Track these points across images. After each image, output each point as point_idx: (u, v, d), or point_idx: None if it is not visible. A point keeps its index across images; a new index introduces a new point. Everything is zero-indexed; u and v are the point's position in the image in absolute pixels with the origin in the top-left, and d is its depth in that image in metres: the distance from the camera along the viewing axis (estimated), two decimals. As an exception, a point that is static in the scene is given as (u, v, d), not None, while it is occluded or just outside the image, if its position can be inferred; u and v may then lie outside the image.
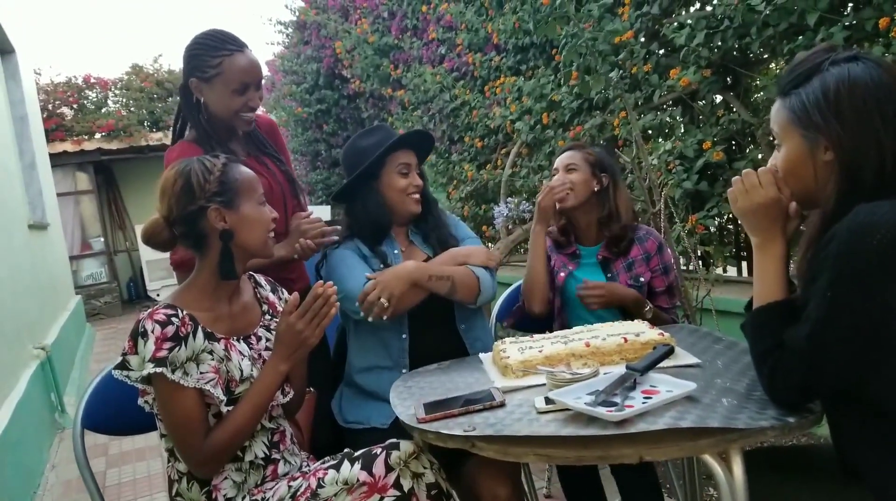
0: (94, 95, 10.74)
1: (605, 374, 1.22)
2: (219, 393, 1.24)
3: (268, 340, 1.40)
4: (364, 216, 1.73)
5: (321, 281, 1.32)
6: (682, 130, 3.12)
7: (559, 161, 1.94)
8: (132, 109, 10.56)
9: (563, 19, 2.69)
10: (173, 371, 1.20)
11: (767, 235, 1.12)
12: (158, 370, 1.19)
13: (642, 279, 1.85)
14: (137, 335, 1.21)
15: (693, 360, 1.30)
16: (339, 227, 1.80)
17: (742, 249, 3.20)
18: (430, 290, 1.62)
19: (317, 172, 7.63)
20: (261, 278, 1.52)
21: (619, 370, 1.21)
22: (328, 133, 7.24)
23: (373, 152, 1.69)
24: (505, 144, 4.48)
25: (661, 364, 1.24)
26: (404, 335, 1.66)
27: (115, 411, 1.51)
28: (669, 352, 1.25)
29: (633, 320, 1.78)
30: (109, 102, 10.85)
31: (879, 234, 0.92)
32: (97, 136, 9.95)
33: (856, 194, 1.00)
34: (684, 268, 3.07)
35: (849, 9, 2.45)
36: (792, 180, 1.09)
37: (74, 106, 10.37)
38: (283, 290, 1.55)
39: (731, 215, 3.04)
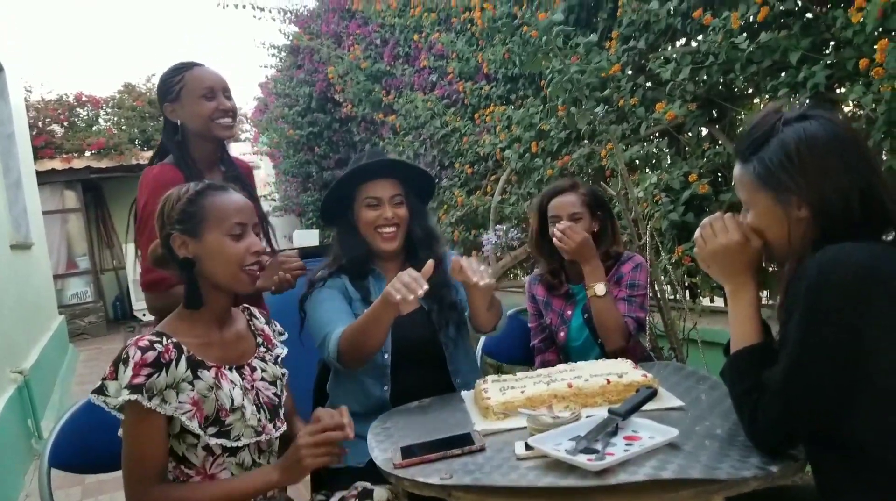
0: (85, 113, 10.71)
1: (587, 417, 1.20)
2: (194, 427, 1.22)
3: (263, 371, 1.38)
4: (342, 248, 1.69)
5: (342, 409, 1.23)
6: (669, 162, 3.14)
7: (560, 208, 1.90)
8: (123, 127, 10.54)
9: (551, 52, 2.72)
10: (150, 398, 1.17)
11: (737, 280, 1.14)
12: (133, 397, 1.16)
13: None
14: (119, 361, 1.19)
15: (676, 402, 1.29)
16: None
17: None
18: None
19: (307, 194, 7.62)
20: (255, 311, 1.50)
21: (602, 413, 1.20)
22: (319, 156, 7.26)
23: (345, 179, 1.67)
24: (495, 170, 4.50)
25: (645, 407, 1.23)
26: (385, 387, 1.61)
27: (86, 446, 1.47)
28: (652, 395, 1.24)
29: (615, 358, 1.79)
30: (101, 120, 10.83)
31: (846, 268, 0.96)
32: (87, 153, 9.91)
33: (830, 241, 1.01)
34: (671, 298, 3.07)
35: (830, 48, 2.49)
36: (768, 237, 1.10)
37: (65, 124, 10.33)
38: (276, 322, 1.54)
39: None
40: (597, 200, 1.93)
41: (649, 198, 2.82)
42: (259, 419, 1.31)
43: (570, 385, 1.31)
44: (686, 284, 3.16)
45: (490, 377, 1.48)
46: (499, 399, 1.30)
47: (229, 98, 1.79)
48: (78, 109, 10.64)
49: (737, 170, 1.13)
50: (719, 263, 1.15)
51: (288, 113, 7.33)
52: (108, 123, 10.75)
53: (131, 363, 1.18)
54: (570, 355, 1.94)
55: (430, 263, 1.43)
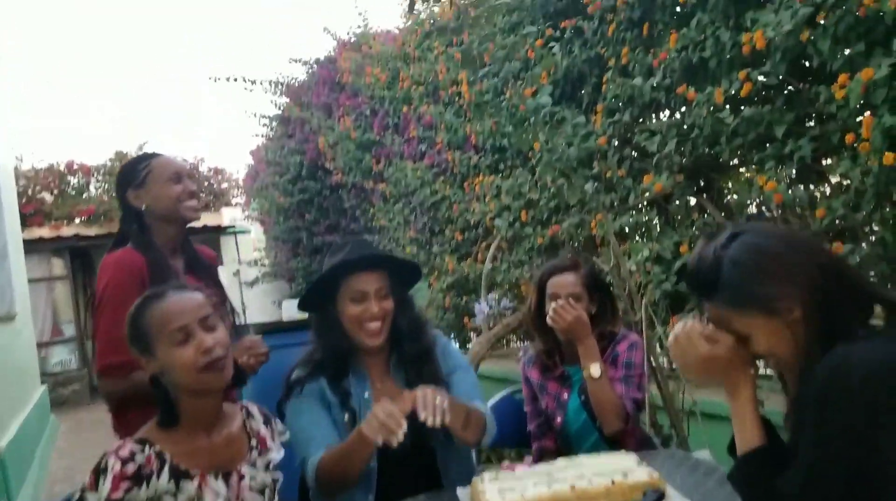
0: (75, 180, 10.75)
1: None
2: None
3: (252, 478, 1.31)
4: (322, 342, 1.60)
5: None
6: (659, 231, 3.14)
7: (559, 287, 1.85)
8: (114, 194, 10.48)
9: (539, 130, 2.75)
10: None
11: (729, 382, 1.10)
12: None
13: None
14: (99, 470, 1.15)
15: (685, 504, 1.22)
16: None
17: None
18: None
19: (297, 260, 7.58)
20: (254, 409, 1.44)
21: None
22: (310, 222, 7.27)
23: (328, 274, 1.58)
24: (485, 237, 4.49)
25: (652, 511, 1.16)
26: (371, 496, 1.53)
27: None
28: (660, 498, 1.17)
29: (613, 441, 1.73)
30: (91, 187, 10.87)
31: (857, 373, 0.93)
32: (77, 220, 9.88)
33: (832, 336, 0.99)
34: (667, 367, 3.01)
35: (814, 120, 2.53)
36: (779, 353, 1.07)
37: (55, 191, 10.36)
38: (277, 420, 1.48)
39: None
40: (597, 280, 1.91)
41: (641, 269, 2.80)
42: None
43: (572, 488, 1.24)
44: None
45: (487, 475, 1.40)
46: (497, 504, 1.22)
47: (194, 182, 1.85)
48: (69, 177, 10.70)
49: (709, 312, 1.11)
50: (702, 373, 1.13)
51: (279, 181, 7.38)
52: (99, 190, 10.76)
53: (110, 476, 1.13)
54: (568, 440, 1.86)
55: (406, 399, 1.37)
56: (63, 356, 9.65)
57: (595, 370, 1.73)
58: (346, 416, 1.54)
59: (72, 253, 9.75)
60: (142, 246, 1.72)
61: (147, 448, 1.18)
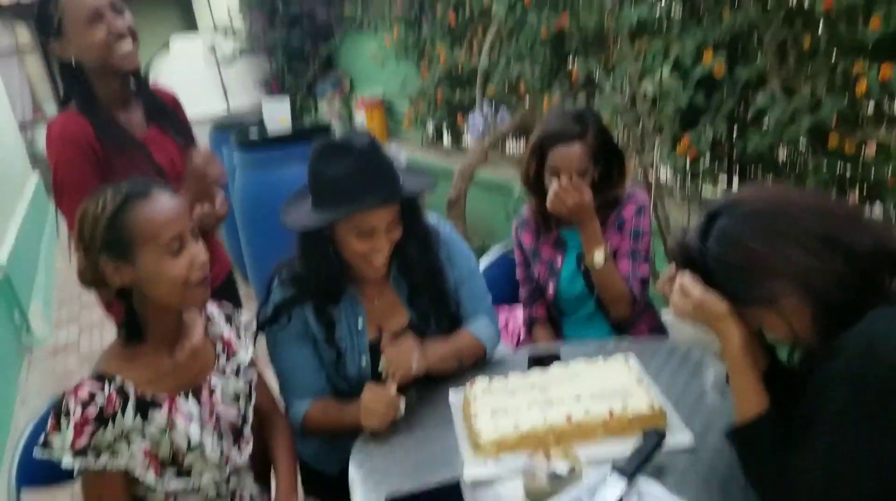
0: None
1: (586, 463, 1.10)
2: (150, 479, 1.13)
3: (224, 390, 1.26)
4: (310, 267, 1.38)
5: None
6: (681, 28, 2.70)
7: (562, 160, 1.58)
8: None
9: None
10: (98, 457, 1.08)
11: (716, 336, 1.02)
12: (79, 462, 1.06)
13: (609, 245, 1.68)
14: (60, 412, 1.07)
15: (685, 439, 1.16)
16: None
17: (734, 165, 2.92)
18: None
19: (274, 31, 6.86)
20: (213, 309, 1.33)
21: (602, 451, 1.12)
22: (283, -14, 6.41)
23: (334, 192, 1.26)
24: (481, 20, 3.95)
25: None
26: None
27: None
28: (659, 443, 1.11)
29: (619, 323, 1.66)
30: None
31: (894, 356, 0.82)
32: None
33: (856, 299, 0.88)
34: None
35: None
36: (797, 334, 0.94)
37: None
38: (240, 312, 1.38)
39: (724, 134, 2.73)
40: (605, 143, 1.63)
41: (656, 88, 2.46)
42: (221, 451, 1.22)
43: (568, 419, 1.18)
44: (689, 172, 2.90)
45: (479, 382, 1.34)
46: (490, 436, 1.17)
47: (121, 13, 1.49)
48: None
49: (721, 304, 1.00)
50: (692, 322, 1.05)
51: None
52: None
53: (72, 421, 1.06)
54: (561, 309, 1.79)
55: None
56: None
57: (599, 257, 1.58)
58: (334, 354, 1.42)
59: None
60: (85, 107, 1.49)
61: (107, 384, 1.10)
